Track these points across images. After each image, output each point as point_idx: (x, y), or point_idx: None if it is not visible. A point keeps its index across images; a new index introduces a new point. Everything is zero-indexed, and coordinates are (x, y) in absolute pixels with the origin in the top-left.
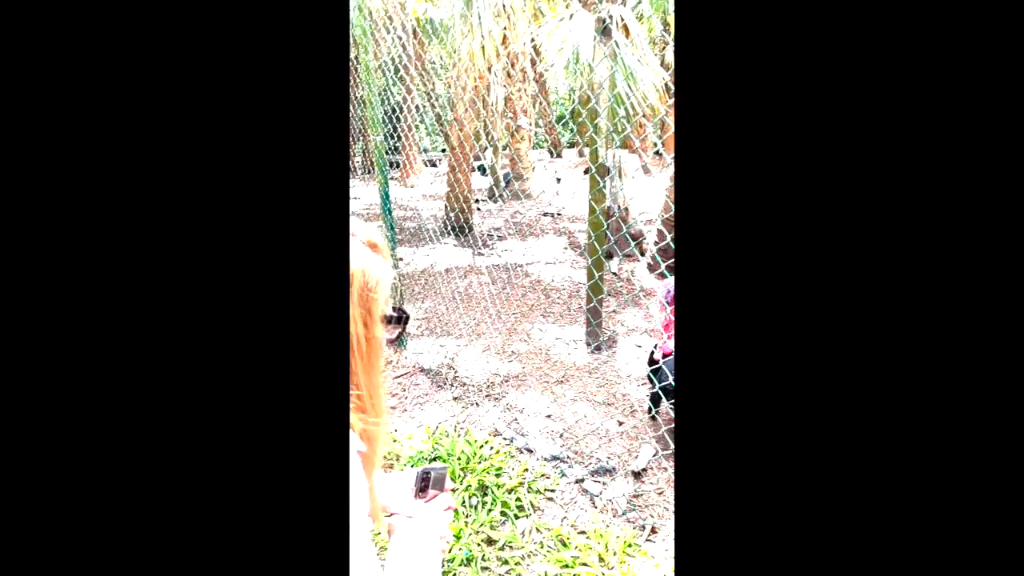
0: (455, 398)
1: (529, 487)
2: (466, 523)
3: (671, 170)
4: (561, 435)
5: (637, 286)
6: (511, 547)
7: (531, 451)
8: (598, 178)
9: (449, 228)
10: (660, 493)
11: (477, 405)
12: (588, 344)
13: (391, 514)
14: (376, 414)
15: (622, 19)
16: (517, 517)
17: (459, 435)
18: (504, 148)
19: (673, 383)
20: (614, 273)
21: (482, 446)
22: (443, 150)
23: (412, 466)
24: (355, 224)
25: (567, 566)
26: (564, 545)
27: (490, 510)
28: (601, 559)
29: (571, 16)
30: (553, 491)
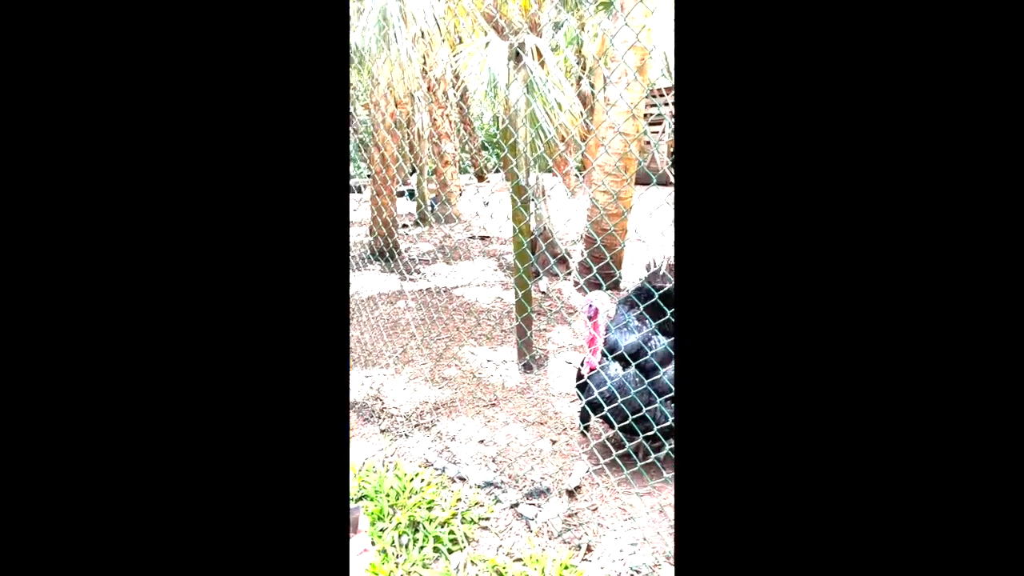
0: (383, 431)
1: (463, 517)
2: (396, 564)
3: (591, 191)
4: (494, 460)
5: (559, 304)
6: None
7: (464, 479)
8: (516, 199)
9: (374, 254)
10: (594, 509)
11: (406, 436)
12: (519, 365)
13: None
14: None
15: (536, 48)
16: (451, 551)
17: (387, 470)
18: (431, 173)
19: (600, 397)
20: (543, 292)
21: (412, 479)
22: (369, 175)
23: None
24: None
25: None
26: (500, 575)
27: (422, 547)
28: None
29: (487, 44)
30: (488, 519)
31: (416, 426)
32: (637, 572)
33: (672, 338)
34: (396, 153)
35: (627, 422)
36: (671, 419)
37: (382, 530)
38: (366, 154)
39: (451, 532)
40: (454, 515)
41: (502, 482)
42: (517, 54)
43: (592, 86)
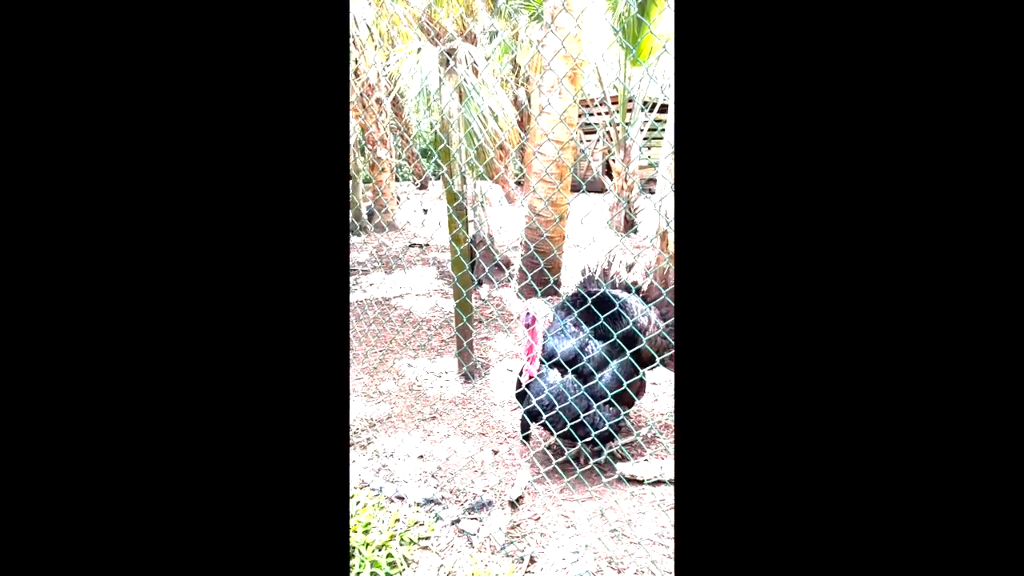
0: None
1: (402, 539)
2: None
3: (527, 198)
4: (434, 475)
5: (495, 312)
6: None
7: (403, 498)
8: (450, 206)
9: None
10: (536, 519)
11: None
12: (459, 375)
13: None
14: None
15: (471, 55)
16: None
17: None
18: (366, 181)
19: (539, 406)
20: (483, 300)
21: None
22: None
23: None
24: None
25: None
26: None
27: (359, 573)
28: None
29: (418, 50)
30: (428, 538)
31: (351, 445)
32: None
33: (607, 342)
34: None
35: (566, 429)
36: (608, 424)
37: None
38: None
39: (389, 555)
40: (392, 537)
41: (443, 498)
42: (448, 60)
43: (528, 96)
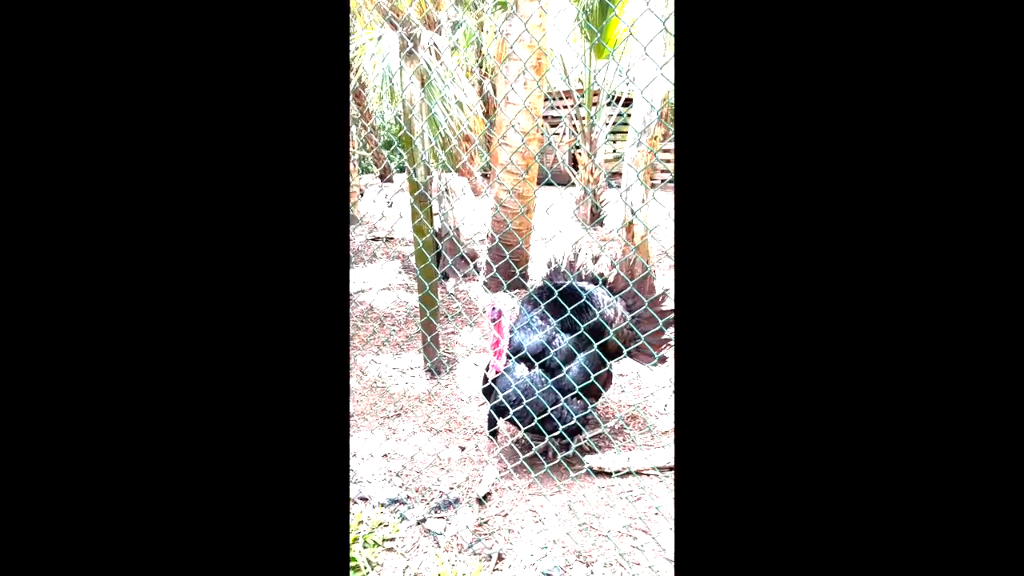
0: None
1: (365, 541)
2: None
3: (496, 191)
4: (399, 474)
5: (459, 305)
6: None
7: (366, 499)
8: (411, 196)
9: None
10: (504, 515)
11: None
12: (427, 370)
13: None
14: None
15: (434, 43)
16: None
17: None
18: None
19: (506, 401)
20: (450, 294)
21: None
22: None
23: None
24: None
25: None
26: None
27: None
28: None
29: (379, 37)
30: (393, 539)
31: None
32: (549, 575)
33: (574, 335)
34: None
35: (533, 424)
36: (576, 417)
37: None
38: None
39: (353, 559)
40: (355, 540)
41: (408, 497)
42: (410, 48)
43: (494, 87)
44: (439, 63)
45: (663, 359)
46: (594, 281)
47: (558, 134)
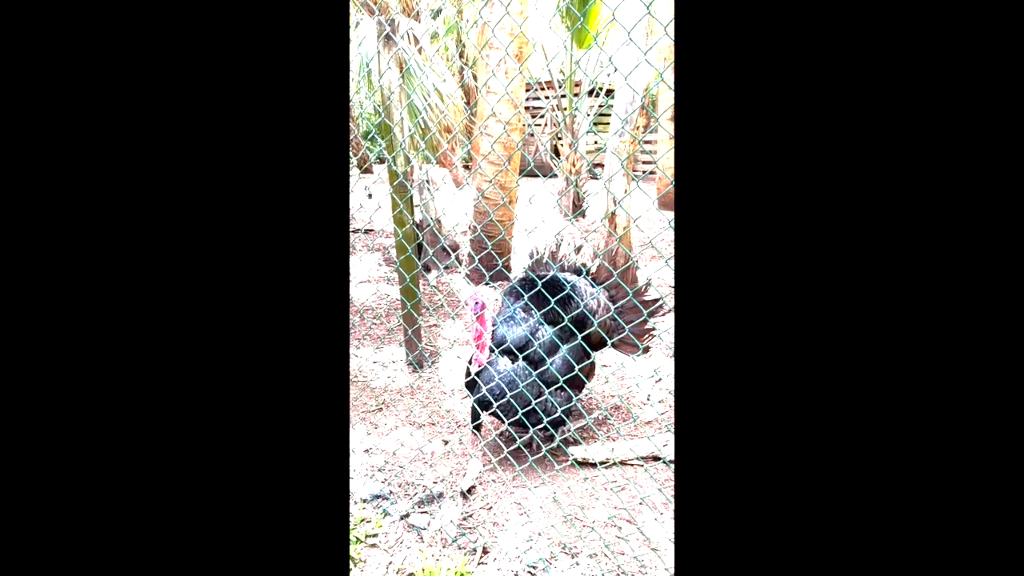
0: None
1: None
2: None
3: (478, 182)
4: (381, 469)
5: (441, 297)
6: None
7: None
8: (390, 187)
9: None
10: (488, 509)
11: None
12: (409, 363)
13: None
14: None
15: (412, 31)
16: None
17: None
18: None
19: (489, 394)
20: (432, 286)
21: None
22: None
23: None
24: None
25: None
26: None
27: None
28: None
29: (357, 24)
30: (376, 535)
31: None
32: (534, 567)
33: (557, 327)
34: None
35: (517, 416)
36: (560, 409)
37: None
38: None
39: None
40: None
41: (391, 493)
42: (388, 35)
43: (475, 77)
44: (416, 48)
45: (646, 349)
46: (577, 272)
47: (539, 125)
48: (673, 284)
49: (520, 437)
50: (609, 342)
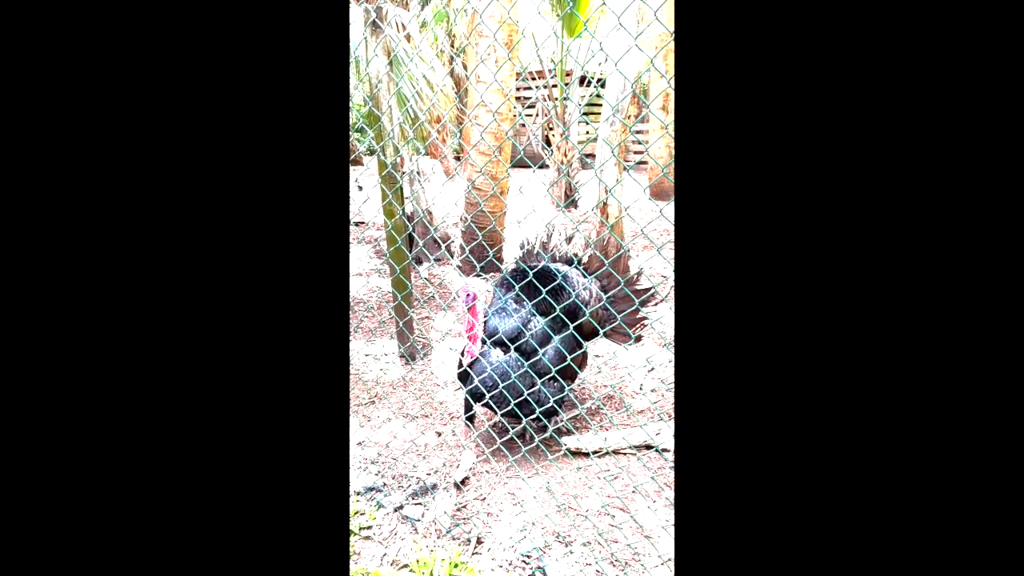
0: None
1: None
2: None
3: (469, 172)
4: (374, 462)
5: (432, 289)
6: None
7: None
8: (379, 177)
9: None
10: (482, 499)
11: None
12: (401, 356)
13: None
14: None
15: (399, 19)
16: None
17: None
18: None
19: (482, 386)
20: (424, 278)
21: None
22: None
23: None
24: None
25: None
26: None
27: None
28: None
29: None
30: (370, 527)
31: None
32: (528, 557)
33: (549, 317)
34: None
35: (510, 407)
36: (552, 399)
37: None
38: None
39: None
40: None
41: (384, 485)
42: (375, 22)
43: (465, 67)
44: (403, 35)
45: (639, 339)
46: (568, 262)
47: (530, 115)
48: (664, 274)
49: (513, 428)
50: (601, 332)
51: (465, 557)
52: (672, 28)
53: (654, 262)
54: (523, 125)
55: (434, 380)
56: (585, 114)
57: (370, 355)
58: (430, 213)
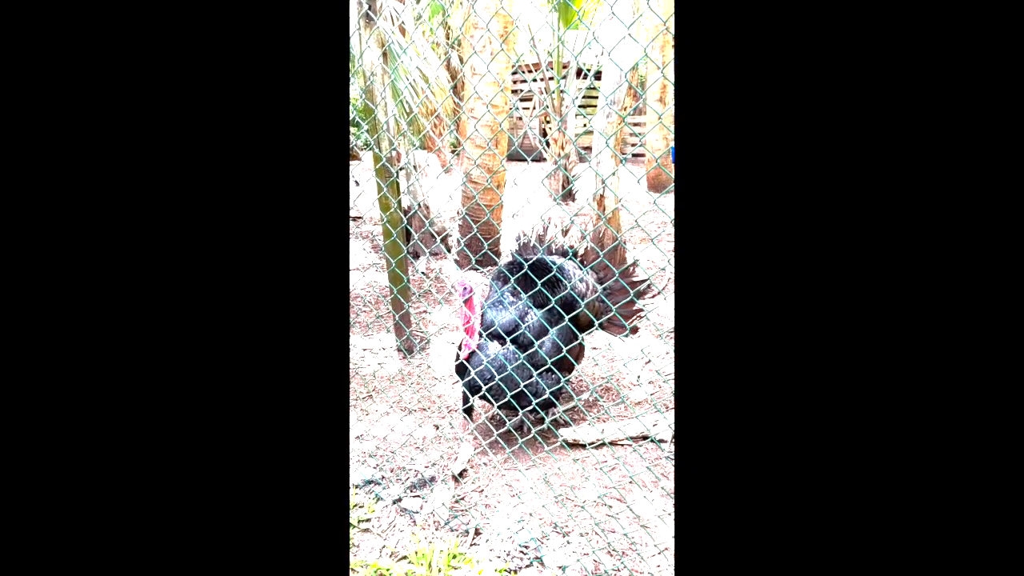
0: None
1: None
2: None
3: (465, 166)
4: (372, 455)
5: (428, 283)
6: None
7: None
8: (374, 171)
9: None
10: (480, 491)
11: None
12: (399, 350)
13: None
14: None
15: (393, 11)
16: None
17: None
18: None
19: (479, 378)
20: (421, 272)
21: None
22: None
23: None
24: None
25: None
26: None
27: None
28: None
29: None
30: (369, 520)
31: None
32: (526, 547)
33: (545, 309)
34: None
35: (507, 399)
36: (549, 391)
37: None
38: None
39: None
40: None
41: (383, 478)
42: (367, 14)
43: (461, 60)
44: (395, 27)
45: (635, 330)
46: (564, 254)
47: (527, 108)
48: (660, 265)
49: (510, 420)
50: (597, 323)
51: (463, 548)
52: (665, 18)
53: (650, 253)
54: (519, 118)
55: (431, 373)
56: (582, 106)
57: (367, 349)
58: (426, 207)
